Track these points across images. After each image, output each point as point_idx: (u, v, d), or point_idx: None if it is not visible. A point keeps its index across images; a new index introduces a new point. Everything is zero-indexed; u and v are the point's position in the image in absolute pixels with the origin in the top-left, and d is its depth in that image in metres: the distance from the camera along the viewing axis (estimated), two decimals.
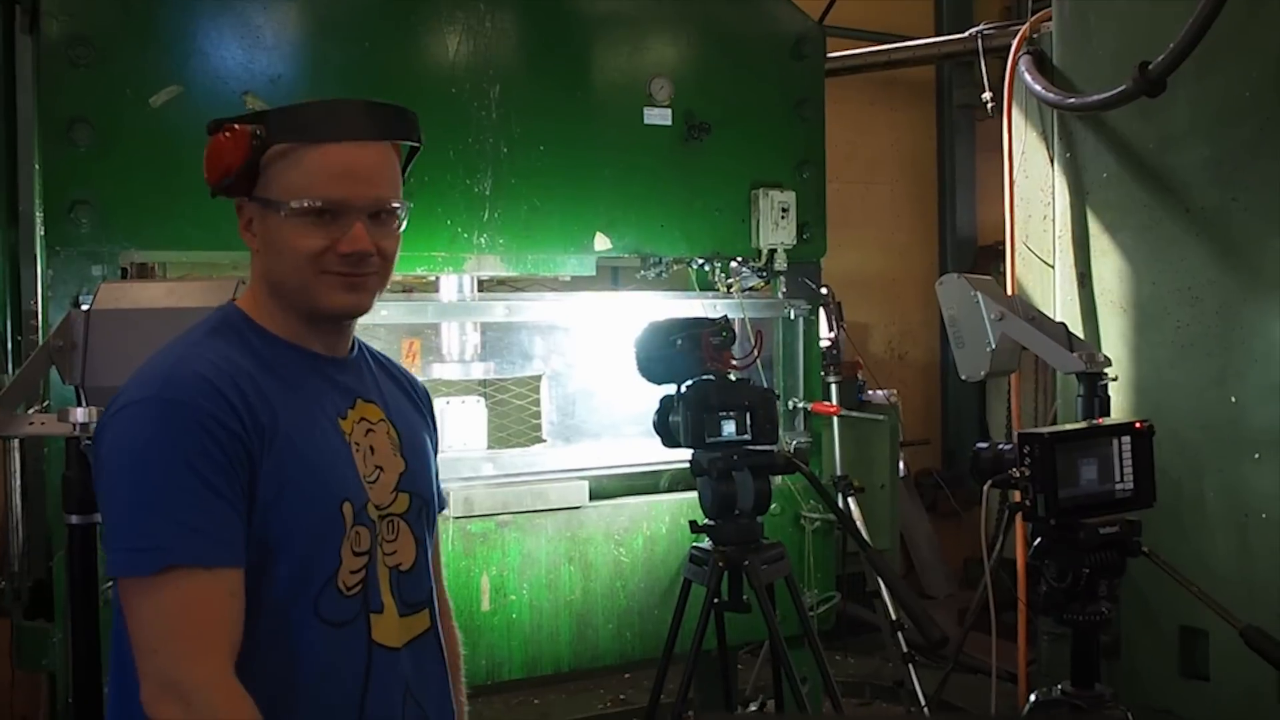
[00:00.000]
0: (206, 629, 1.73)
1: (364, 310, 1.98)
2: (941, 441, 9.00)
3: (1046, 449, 3.30)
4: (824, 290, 4.90)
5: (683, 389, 3.64)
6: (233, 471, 1.78)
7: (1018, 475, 3.30)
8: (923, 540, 8.19)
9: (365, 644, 1.91)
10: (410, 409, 2.16)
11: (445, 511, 2.30)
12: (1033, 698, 3.55)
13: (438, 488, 2.23)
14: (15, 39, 4.02)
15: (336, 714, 1.89)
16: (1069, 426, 3.60)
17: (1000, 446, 3.48)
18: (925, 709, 5.18)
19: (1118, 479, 3.43)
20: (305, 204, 1.86)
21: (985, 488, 3.41)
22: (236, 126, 1.89)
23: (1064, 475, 3.33)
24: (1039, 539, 3.43)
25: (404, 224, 1.98)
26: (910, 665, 5.38)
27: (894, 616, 5.47)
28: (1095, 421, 3.60)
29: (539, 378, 4.57)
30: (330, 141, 1.88)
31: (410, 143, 2.04)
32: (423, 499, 2.07)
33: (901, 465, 6.37)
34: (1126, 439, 3.44)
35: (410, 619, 2.00)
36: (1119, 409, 4.41)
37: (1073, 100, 4.78)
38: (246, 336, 1.94)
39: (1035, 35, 5.20)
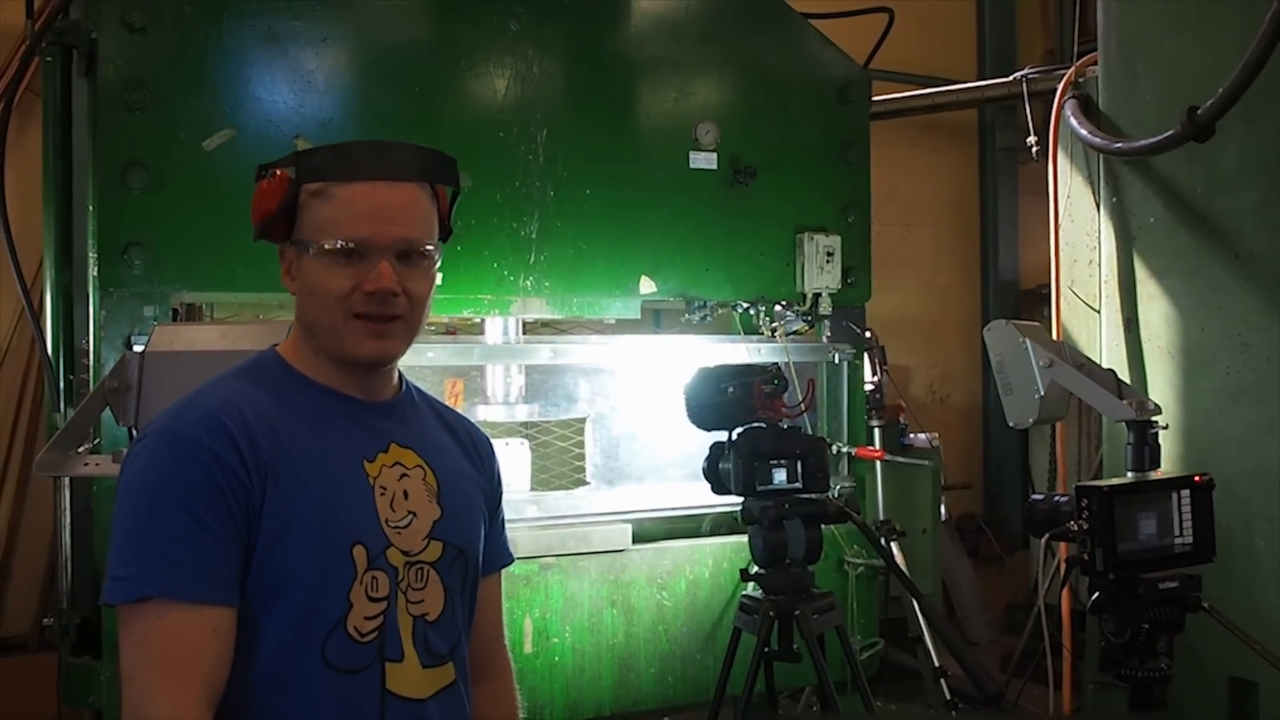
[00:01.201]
0: (178, 662, 1.73)
1: (391, 358, 1.97)
2: (983, 486, 8.93)
3: (1105, 502, 3.27)
4: (868, 334, 4.88)
5: (734, 436, 3.64)
6: (227, 509, 1.78)
7: (1075, 529, 3.26)
8: (964, 585, 8.11)
9: (378, 693, 1.88)
10: (461, 458, 2.13)
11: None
12: None
13: (501, 541, 2.23)
14: (72, 83, 4.08)
15: None
16: (1128, 480, 3.56)
17: (1056, 498, 3.44)
18: None
19: (1177, 533, 3.39)
20: (333, 244, 1.87)
21: (1043, 541, 3.37)
22: (278, 172, 1.92)
23: (1123, 529, 3.29)
24: (1097, 593, 3.38)
25: (438, 265, 1.97)
26: (953, 713, 5.32)
27: (936, 663, 5.41)
28: (1155, 474, 3.55)
29: (583, 420, 4.57)
30: (358, 181, 1.89)
31: (447, 186, 2.03)
32: (458, 549, 2.03)
33: (943, 509, 6.33)
34: (1186, 493, 3.40)
35: (434, 670, 1.96)
36: (1166, 457, 4.35)
37: (1119, 145, 4.76)
38: (276, 378, 1.95)
39: (1081, 79, 5.19)
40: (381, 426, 1.99)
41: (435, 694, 1.96)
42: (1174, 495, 3.40)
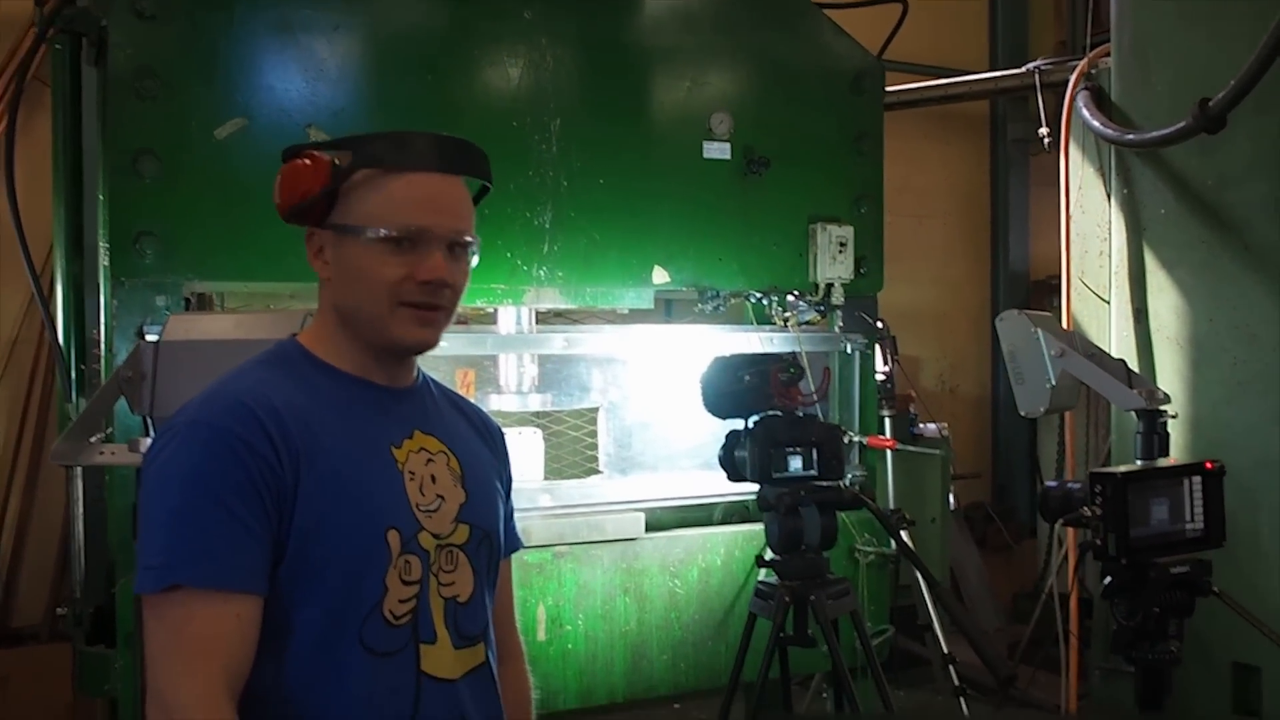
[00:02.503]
0: (201, 648, 1.73)
1: (433, 345, 1.98)
2: (992, 475, 8.95)
3: (1119, 488, 3.30)
4: (880, 324, 4.88)
5: (750, 424, 3.65)
6: (258, 498, 1.78)
7: (1089, 514, 3.29)
8: (972, 574, 8.12)
9: (414, 675, 1.89)
10: (479, 444, 2.15)
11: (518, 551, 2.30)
12: None
13: (511, 526, 2.23)
14: (82, 71, 4.07)
15: None
16: (1140, 466, 3.58)
17: (1069, 485, 3.47)
18: None
19: (1188, 519, 3.43)
20: (386, 232, 1.87)
21: (1055, 526, 3.40)
22: (316, 153, 1.92)
23: (1135, 514, 3.33)
24: (1109, 578, 3.41)
25: (475, 260, 1.99)
26: (961, 699, 5.33)
27: (945, 650, 5.41)
28: (1167, 461, 3.58)
29: (595, 410, 4.57)
30: (414, 171, 1.90)
31: (483, 181, 2.06)
32: (484, 531, 2.05)
33: (951, 499, 6.33)
34: (1197, 479, 3.43)
35: (466, 651, 1.98)
36: (1174, 446, 4.36)
37: (1131, 136, 4.76)
38: (300, 367, 1.95)
39: (1093, 71, 5.19)
40: (404, 413, 2.01)
41: (465, 674, 1.97)
42: (1185, 481, 3.45)
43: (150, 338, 3.04)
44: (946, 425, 6.62)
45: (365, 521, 1.87)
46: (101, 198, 3.76)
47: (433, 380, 2.16)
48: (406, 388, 2.04)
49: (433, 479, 1.97)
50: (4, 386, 5.99)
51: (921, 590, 5.16)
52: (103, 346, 3.76)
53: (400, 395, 2.02)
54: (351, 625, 1.84)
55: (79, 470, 3.68)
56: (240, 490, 1.77)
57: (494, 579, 2.11)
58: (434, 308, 1.92)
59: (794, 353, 3.63)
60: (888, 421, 5.53)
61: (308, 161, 1.92)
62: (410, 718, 1.89)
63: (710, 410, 3.76)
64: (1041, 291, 8.48)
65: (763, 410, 3.63)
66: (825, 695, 5.49)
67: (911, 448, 5.57)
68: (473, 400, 2.45)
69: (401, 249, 1.88)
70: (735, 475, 3.72)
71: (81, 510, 3.77)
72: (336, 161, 1.91)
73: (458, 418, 2.15)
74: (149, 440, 2.79)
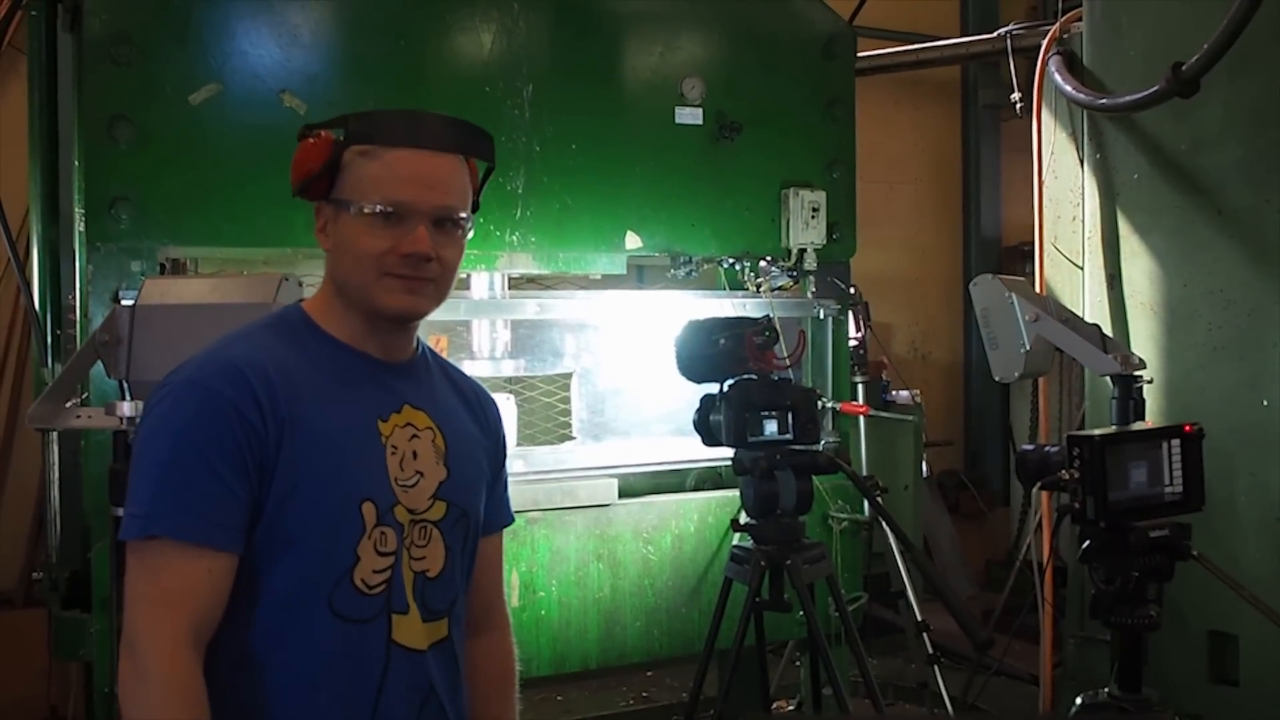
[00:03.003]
0: (171, 598, 1.81)
1: (421, 314, 2.02)
2: (964, 443, 9.00)
3: (1097, 451, 3.29)
4: (852, 290, 4.90)
5: (725, 388, 3.66)
6: (241, 460, 1.84)
7: (1067, 477, 3.29)
8: (945, 541, 8.19)
9: (385, 643, 1.94)
10: (469, 421, 2.18)
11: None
12: (1079, 700, 3.51)
13: (504, 501, 2.28)
14: (57, 37, 4.05)
15: (349, 707, 1.92)
16: (1118, 429, 3.58)
17: (1047, 449, 3.47)
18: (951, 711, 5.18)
19: (1167, 482, 3.42)
20: (373, 208, 1.93)
21: (1032, 492, 3.39)
22: (323, 132, 1.98)
23: (1114, 478, 3.31)
24: (1087, 541, 3.41)
25: (468, 236, 2.03)
26: (935, 667, 5.38)
27: (919, 618, 5.46)
28: (1145, 424, 3.59)
29: (569, 375, 4.58)
30: (404, 147, 1.95)
31: (483, 161, 2.09)
32: (461, 509, 2.08)
33: (924, 466, 6.37)
34: (1176, 442, 3.43)
35: (432, 624, 2.02)
36: (1149, 412, 4.39)
37: (1104, 101, 4.78)
38: (300, 334, 2.01)
39: (1065, 35, 5.20)
40: (398, 387, 2.05)
41: (430, 647, 2.02)
42: (1164, 444, 3.43)
43: (126, 302, 3.04)
44: (919, 392, 6.65)
45: (341, 490, 1.91)
46: (77, 163, 3.75)
47: (433, 354, 2.20)
48: (402, 362, 2.07)
49: (414, 455, 2.01)
50: None
51: (895, 557, 5.19)
52: (78, 311, 3.76)
53: (395, 369, 2.05)
54: (321, 590, 1.89)
55: (55, 435, 3.68)
56: (226, 451, 1.83)
57: (469, 556, 2.14)
58: (419, 279, 1.96)
59: (768, 316, 3.62)
60: (860, 388, 5.57)
61: (314, 140, 1.98)
62: (379, 684, 1.94)
63: (684, 374, 3.76)
64: (1013, 257, 8.51)
65: (737, 374, 3.62)
66: (798, 663, 5.53)
67: (884, 414, 5.59)
68: None
69: (389, 223, 1.93)
70: (710, 440, 3.71)
71: (57, 475, 3.78)
72: (340, 138, 1.97)
73: (451, 393, 2.18)
74: (126, 405, 2.79)
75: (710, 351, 3.60)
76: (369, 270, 1.94)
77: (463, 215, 2.00)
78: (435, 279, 1.98)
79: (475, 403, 2.23)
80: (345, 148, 1.96)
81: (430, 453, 2.04)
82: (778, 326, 3.65)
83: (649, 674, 6.17)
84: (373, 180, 1.94)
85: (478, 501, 2.14)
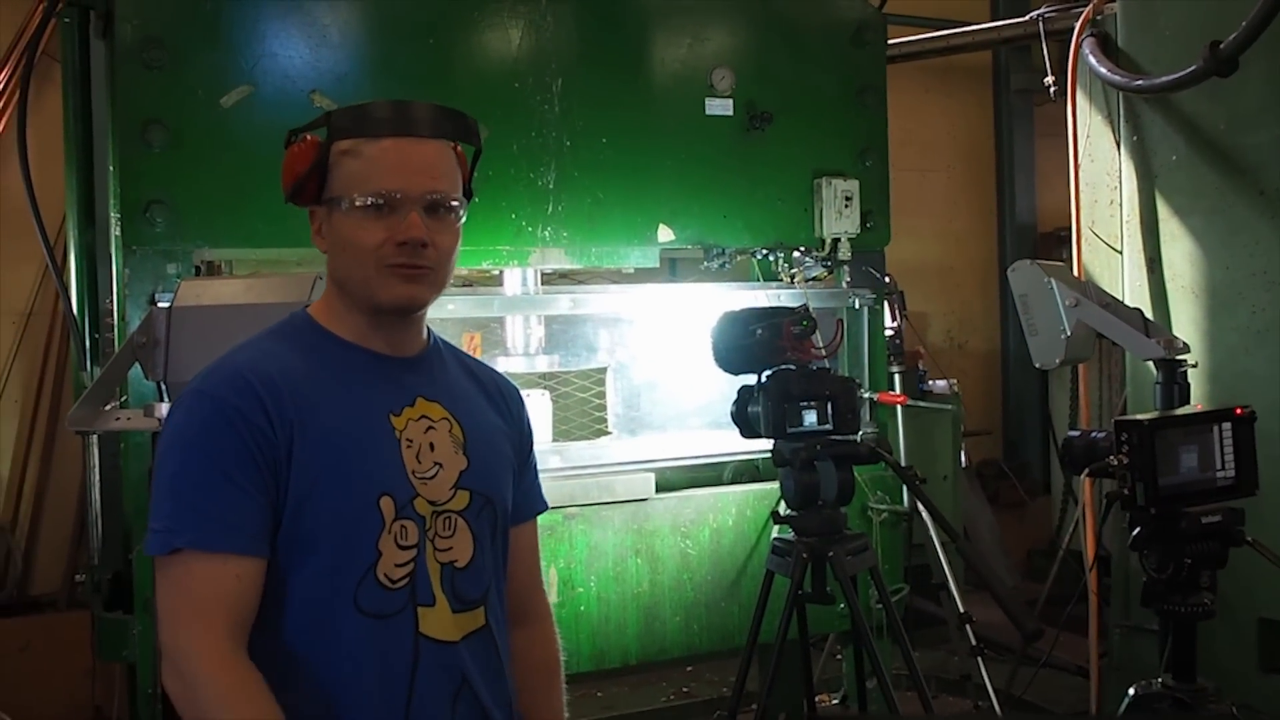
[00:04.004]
0: (204, 607, 1.82)
1: (421, 303, 2.03)
2: (1003, 432, 8.93)
3: (1146, 436, 3.22)
4: (887, 279, 4.86)
5: (763, 379, 3.63)
6: (255, 465, 1.85)
7: (1115, 463, 3.23)
8: (985, 531, 8.12)
9: (412, 637, 1.94)
10: (488, 410, 2.18)
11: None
12: (1131, 691, 3.45)
13: (534, 489, 2.29)
14: (90, 43, 4.08)
15: (383, 704, 1.92)
16: (1168, 413, 3.51)
17: (1093, 435, 3.41)
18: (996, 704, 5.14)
19: (1219, 466, 3.34)
20: (365, 200, 1.94)
21: (1077, 479, 3.33)
22: (309, 136, 2.00)
23: (1164, 463, 3.24)
24: (1138, 528, 3.35)
25: (462, 220, 2.03)
26: (979, 659, 5.33)
27: (961, 609, 5.42)
28: (1195, 407, 3.52)
29: (603, 370, 4.57)
30: (386, 137, 1.96)
31: (469, 145, 2.10)
32: (486, 497, 2.08)
33: (963, 456, 6.32)
34: (1227, 425, 3.35)
35: (465, 615, 2.02)
36: (1193, 396, 4.35)
37: (1140, 82, 4.72)
38: (305, 336, 2.02)
39: (1099, 17, 5.14)
40: (408, 381, 2.05)
41: (465, 637, 2.01)
42: (1215, 428, 3.35)
43: (162, 304, 3.05)
44: (956, 381, 6.60)
45: (357, 487, 1.92)
46: (112, 168, 3.77)
47: (448, 346, 2.20)
48: (412, 356, 2.08)
49: (431, 446, 2.02)
50: (20, 359, 6.05)
51: (935, 548, 5.15)
52: (116, 315, 3.78)
53: (406, 364, 2.06)
54: (345, 589, 1.90)
55: (95, 438, 3.70)
56: (239, 457, 1.85)
57: (500, 544, 2.14)
58: (417, 267, 1.97)
59: (805, 305, 3.58)
60: (897, 378, 5.52)
61: (300, 144, 2.01)
62: (409, 678, 1.93)
63: (721, 365, 3.73)
64: (1049, 243, 8.43)
65: (775, 364, 3.59)
66: (839, 656, 5.51)
67: (922, 403, 5.55)
68: None
69: (381, 214, 1.94)
70: (749, 431, 3.68)
71: (98, 477, 3.80)
72: (324, 140, 1.99)
73: (469, 383, 2.18)
74: (164, 406, 2.80)
75: (748, 342, 3.57)
76: (368, 264, 1.95)
77: (454, 201, 2.00)
78: (433, 266, 1.98)
79: (495, 392, 2.23)
80: (330, 147, 1.98)
81: (448, 443, 2.04)
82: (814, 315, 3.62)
83: (689, 669, 6.15)
84: (360, 174, 1.95)
85: (503, 489, 2.14)
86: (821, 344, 3.67)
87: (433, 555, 1.97)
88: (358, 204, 1.94)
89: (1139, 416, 3.39)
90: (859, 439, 3.89)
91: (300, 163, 1.99)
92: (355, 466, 1.92)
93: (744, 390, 3.70)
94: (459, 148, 2.07)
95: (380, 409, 1.99)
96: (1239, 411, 3.39)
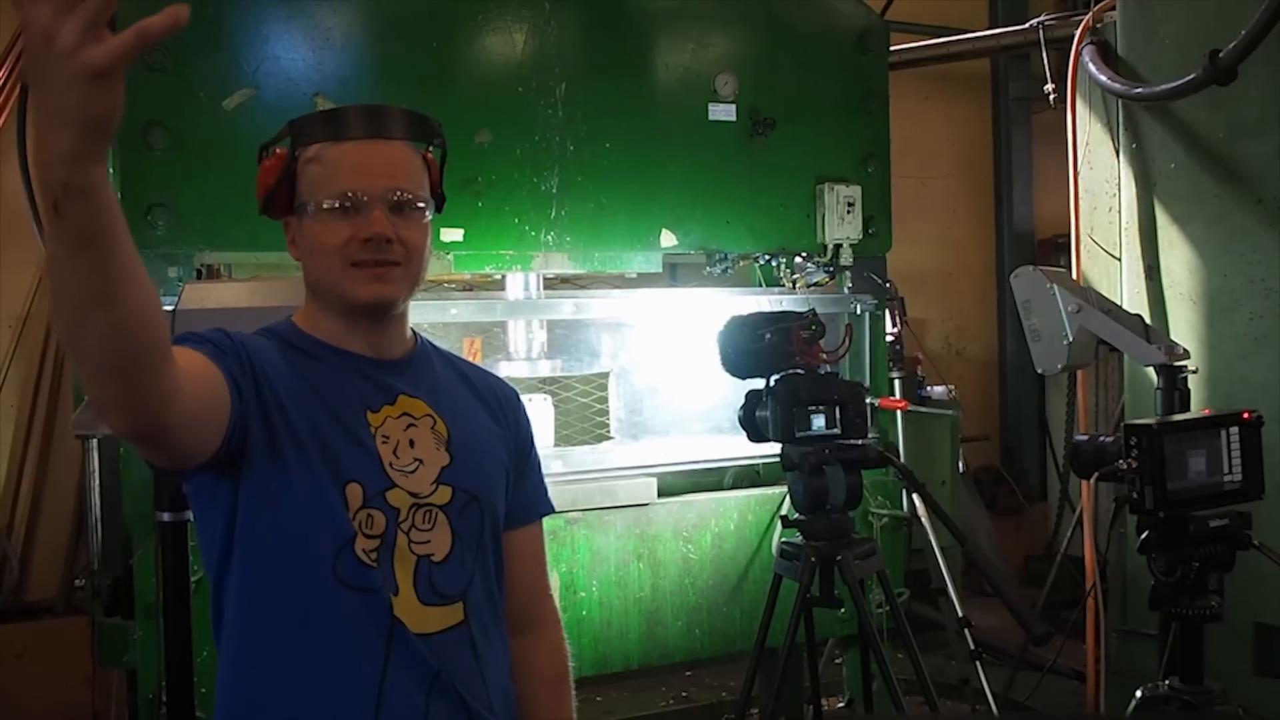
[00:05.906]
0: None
1: (391, 300, 2.03)
2: (1000, 438, 8.94)
3: (1155, 440, 3.22)
4: (889, 285, 4.87)
5: (771, 383, 3.64)
6: (236, 358, 1.89)
7: (1124, 467, 3.23)
8: (982, 537, 8.10)
9: (389, 615, 1.94)
10: (480, 412, 2.18)
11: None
12: (1139, 694, 3.45)
13: (537, 491, 2.28)
14: None
15: (359, 678, 1.92)
16: (1175, 418, 3.52)
17: (1101, 439, 3.41)
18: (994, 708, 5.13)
19: (1226, 470, 3.34)
20: (331, 203, 1.97)
21: (1091, 481, 3.33)
22: (278, 149, 2.03)
23: (1173, 467, 3.24)
24: (1146, 532, 3.34)
25: (429, 218, 2.05)
26: (977, 663, 5.32)
27: (960, 613, 5.41)
28: (1204, 412, 3.53)
29: (606, 375, 4.57)
30: (348, 140, 1.99)
31: (434, 147, 2.12)
32: (470, 494, 2.07)
33: (960, 462, 6.32)
34: (1235, 430, 3.34)
35: (440, 609, 2.00)
36: (1192, 403, 4.35)
37: (1140, 90, 4.73)
38: (288, 337, 2.04)
39: (1098, 25, 5.15)
40: (389, 381, 2.06)
41: (441, 631, 2.00)
42: (1223, 432, 3.34)
43: (166, 307, 3.03)
44: (955, 387, 6.61)
45: (324, 475, 1.93)
46: (113, 170, 3.76)
47: (439, 350, 2.21)
48: (396, 359, 2.09)
49: (411, 443, 2.03)
50: (16, 363, 6.01)
51: (935, 553, 5.15)
52: None
53: (386, 365, 2.07)
54: (324, 559, 1.92)
55: (95, 442, 3.69)
56: (219, 345, 1.90)
57: (492, 542, 2.12)
58: (384, 264, 1.98)
59: (814, 309, 3.59)
60: (896, 384, 5.53)
61: (269, 158, 2.03)
62: (384, 656, 1.93)
63: (729, 370, 3.73)
64: (1047, 250, 8.44)
65: (783, 369, 3.60)
66: (838, 661, 5.50)
67: (922, 409, 5.56)
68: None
69: (347, 215, 1.97)
70: (756, 435, 3.69)
71: (97, 483, 3.78)
72: (291, 151, 2.02)
73: (460, 385, 2.18)
74: None
75: (756, 346, 3.57)
76: (335, 263, 1.97)
77: (421, 201, 2.03)
78: (401, 262, 1.99)
79: (489, 394, 2.23)
80: (295, 156, 2.00)
81: (430, 439, 2.05)
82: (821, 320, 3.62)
83: (688, 674, 6.14)
84: (324, 177, 1.98)
85: (491, 488, 2.12)
86: (831, 347, 3.67)
87: (406, 547, 1.97)
88: (324, 206, 1.97)
89: (1148, 421, 3.39)
90: (870, 442, 3.88)
91: (269, 175, 2.02)
92: (324, 455, 1.93)
93: (752, 394, 3.70)
94: (429, 154, 2.10)
95: (357, 405, 2.00)
96: (1246, 415, 3.39)
